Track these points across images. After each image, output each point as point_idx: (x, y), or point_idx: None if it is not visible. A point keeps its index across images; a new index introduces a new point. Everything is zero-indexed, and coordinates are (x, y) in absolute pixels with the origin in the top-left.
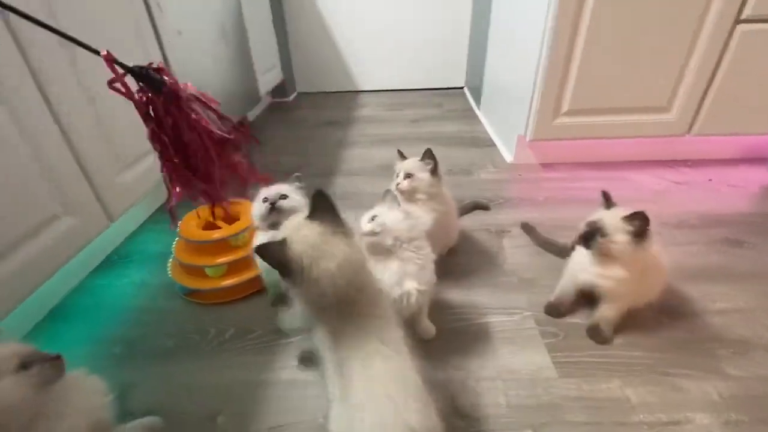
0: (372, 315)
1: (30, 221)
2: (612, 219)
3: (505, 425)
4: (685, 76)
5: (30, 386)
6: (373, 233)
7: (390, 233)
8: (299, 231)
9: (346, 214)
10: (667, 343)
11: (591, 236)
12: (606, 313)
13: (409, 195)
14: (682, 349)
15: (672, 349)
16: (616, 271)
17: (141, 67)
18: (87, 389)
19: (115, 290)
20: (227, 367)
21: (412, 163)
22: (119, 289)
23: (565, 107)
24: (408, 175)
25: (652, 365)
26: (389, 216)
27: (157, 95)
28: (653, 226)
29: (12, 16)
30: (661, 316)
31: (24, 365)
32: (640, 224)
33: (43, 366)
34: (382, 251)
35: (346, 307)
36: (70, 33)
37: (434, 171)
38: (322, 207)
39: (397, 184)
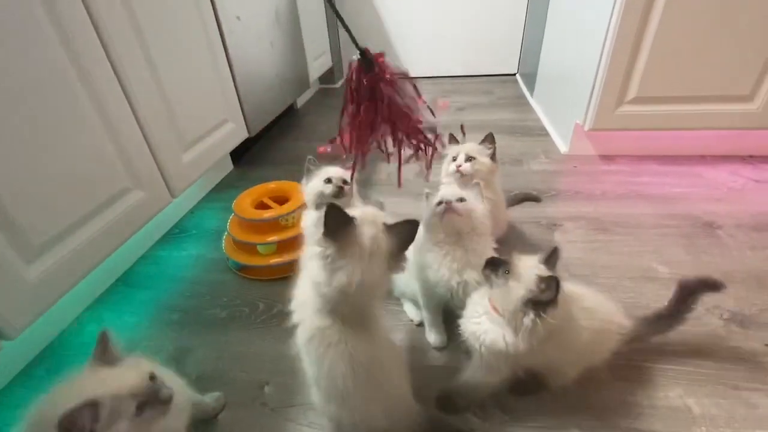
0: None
1: (107, 191)
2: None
3: (551, 423)
4: None
5: (143, 429)
6: (458, 213)
7: (470, 222)
8: (374, 224)
9: (390, 200)
10: (738, 355)
11: (497, 266)
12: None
13: (467, 179)
14: (754, 362)
15: (743, 361)
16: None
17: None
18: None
19: (174, 261)
20: (275, 341)
21: (474, 146)
22: (178, 261)
23: (631, 94)
24: (469, 158)
25: (720, 377)
26: (478, 206)
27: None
28: (728, 228)
29: None
30: (731, 325)
31: (139, 406)
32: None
33: (155, 409)
34: (453, 234)
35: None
36: (140, 15)
37: (493, 156)
38: (403, 233)
39: (458, 166)
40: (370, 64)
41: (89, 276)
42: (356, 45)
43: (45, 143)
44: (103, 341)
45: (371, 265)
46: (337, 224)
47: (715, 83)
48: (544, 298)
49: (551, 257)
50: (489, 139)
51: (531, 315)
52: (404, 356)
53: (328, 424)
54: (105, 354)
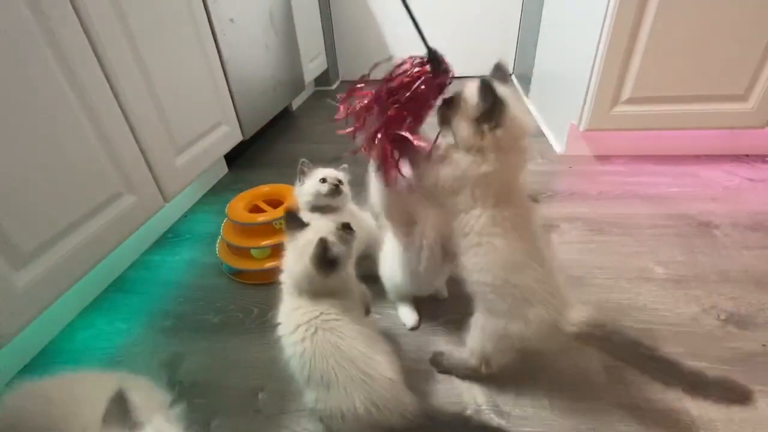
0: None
1: (98, 196)
2: None
3: (550, 426)
4: None
5: None
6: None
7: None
8: (316, 232)
9: None
10: (736, 355)
11: (447, 103)
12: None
13: None
14: (751, 362)
15: (740, 361)
16: None
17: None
18: None
19: (168, 266)
20: (269, 346)
21: None
22: (171, 266)
23: (626, 95)
24: None
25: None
26: None
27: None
28: (724, 228)
29: None
30: (729, 326)
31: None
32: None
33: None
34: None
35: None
36: (131, 17)
37: None
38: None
39: None
40: (439, 64)
41: (81, 281)
42: (425, 44)
43: (33, 148)
44: (121, 403)
45: (299, 260)
46: (294, 226)
47: (709, 83)
48: (486, 105)
49: (498, 72)
50: None
51: (486, 130)
52: (384, 342)
53: (321, 429)
54: (124, 419)
